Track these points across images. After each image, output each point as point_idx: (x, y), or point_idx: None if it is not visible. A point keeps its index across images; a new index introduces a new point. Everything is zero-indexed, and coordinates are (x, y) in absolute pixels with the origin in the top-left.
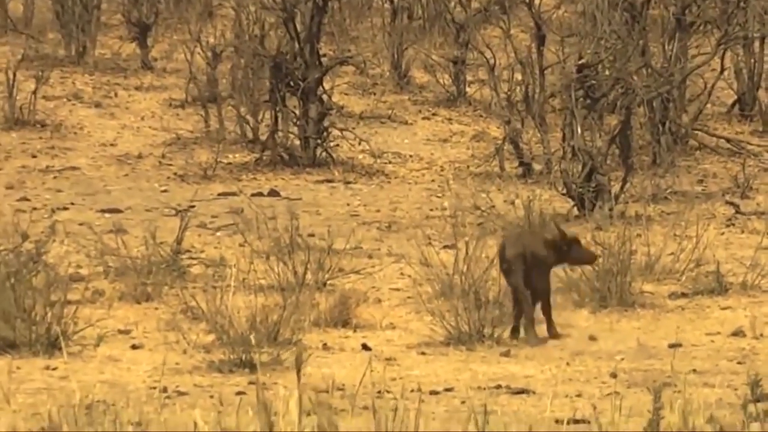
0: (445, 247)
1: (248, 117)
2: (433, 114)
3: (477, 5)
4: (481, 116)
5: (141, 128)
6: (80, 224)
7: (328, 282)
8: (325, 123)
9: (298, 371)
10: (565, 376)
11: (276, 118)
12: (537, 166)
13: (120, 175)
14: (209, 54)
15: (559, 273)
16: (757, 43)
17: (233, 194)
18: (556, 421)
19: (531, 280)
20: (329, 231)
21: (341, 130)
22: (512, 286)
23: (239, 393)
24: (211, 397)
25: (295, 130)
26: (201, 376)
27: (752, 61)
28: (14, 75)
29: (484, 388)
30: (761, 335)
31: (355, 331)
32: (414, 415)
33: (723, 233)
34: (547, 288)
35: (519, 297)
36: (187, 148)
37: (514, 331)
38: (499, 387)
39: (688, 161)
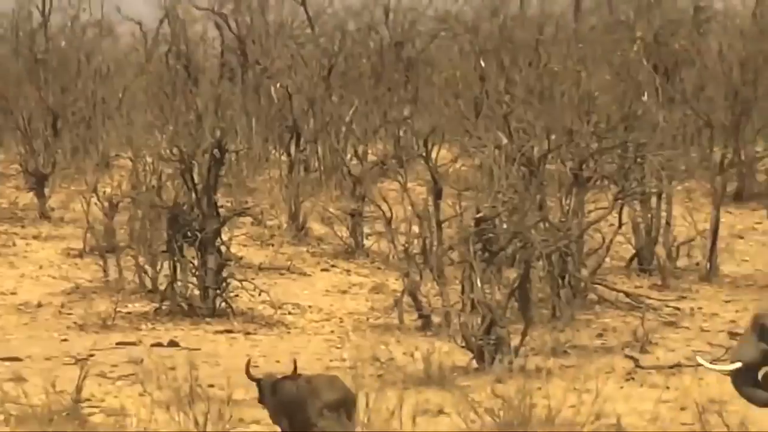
0: None
1: (147, 267)
2: (332, 266)
3: (374, 158)
4: (379, 268)
5: (40, 277)
6: None
7: None
8: (224, 273)
9: None
10: None
11: (174, 268)
12: (436, 319)
13: (20, 324)
14: (106, 204)
15: (460, 424)
16: (654, 198)
17: (133, 344)
18: None
19: None
20: (229, 381)
21: (240, 280)
22: None
23: None
24: None
25: (194, 280)
26: None
27: (649, 216)
28: None
29: None
30: None
31: None
32: None
33: (623, 387)
34: None
35: None
36: (86, 297)
37: None
38: None
39: (588, 315)
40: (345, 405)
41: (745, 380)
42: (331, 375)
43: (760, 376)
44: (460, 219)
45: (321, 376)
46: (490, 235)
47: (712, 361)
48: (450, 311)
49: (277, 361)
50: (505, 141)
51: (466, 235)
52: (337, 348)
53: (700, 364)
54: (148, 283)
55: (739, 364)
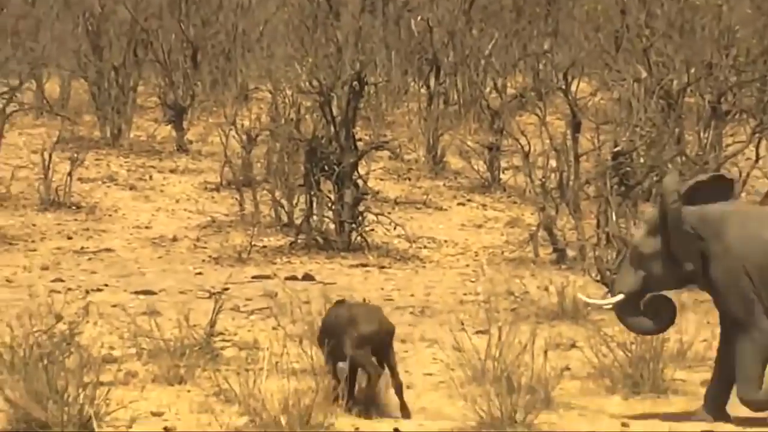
0: (478, 332)
1: (283, 201)
2: (468, 200)
3: (513, 92)
4: (515, 202)
5: (176, 211)
6: (114, 306)
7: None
8: (361, 208)
9: None
10: None
11: (311, 201)
12: (571, 253)
13: (154, 258)
14: (244, 137)
15: (591, 358)
16: None
17: (267, 277)
18: None
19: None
20: None
21: (376, 214)
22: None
23: None
24: None
25: (330, 214)
26: None
27: None
28: (50, 157)
29: None
30: None
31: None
32: None
33: None
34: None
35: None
36: (221, 231)
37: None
38: None
39: None
40: (380, 337)
41: (628, 311)
42: (372, 306)
43: (642, 305)
44: (597, 153)
45: (363, 305)
46: (627, 169)
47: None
48: (585, 245)
49: (411, 295)
50: (644, 74)
51: (603, 169)
52: (472, 282)
53: None
54: (284, 217)
55: (621, 296)
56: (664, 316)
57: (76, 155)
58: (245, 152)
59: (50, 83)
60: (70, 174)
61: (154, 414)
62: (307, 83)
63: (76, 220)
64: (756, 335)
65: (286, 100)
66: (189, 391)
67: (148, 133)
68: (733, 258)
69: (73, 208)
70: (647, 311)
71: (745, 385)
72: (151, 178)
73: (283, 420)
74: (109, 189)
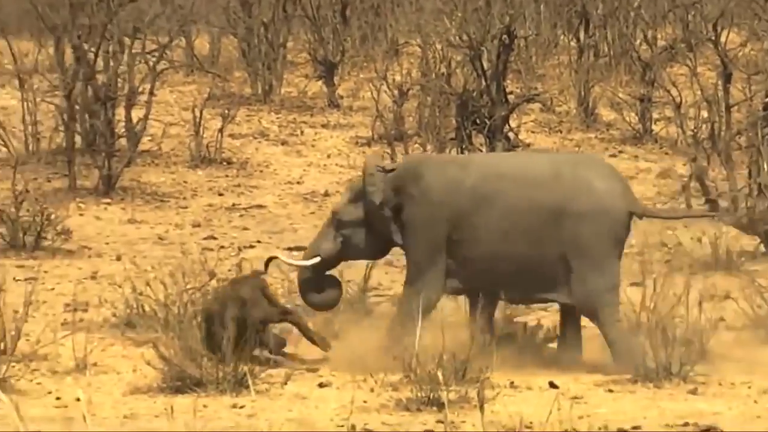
0: (632, 284)
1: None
2: (620, 151)
3: (663, 43)
4: (667, 153)
5: (327, 166)
6: None
7: (515, 319)
8: None
9: (481, 408)
10: (753, 414)
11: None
12: (723, 203)
13: (306, 213)
14: (395, 92)
15: (746, 310)
16: None
17: None
18: None
19: None
20: None
21: None
22: None
23: (427, 431)
24: None
25: None
26: (389, 415)
27: None
28: (201, 113)
29: (672, 426)
30: None
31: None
32: None
33: None
34: None
35: None
36: None
37: None
38: (686, 425)
39: None
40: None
41: (314, 281)
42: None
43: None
44: (749, 103)
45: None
46: None
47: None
48: (737, 196)
49: None
50: None
51: (754, 119)
52: None
53: None
54: None
55: (317, 259)
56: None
57: (227, 111)
58: (396, 107)
59: (199, 40)
60: (221, 130)
61: (308, 370)
62: (457, 37)
63: (227, 176)
64: None
65: (436, 55)
66: (344, 346)
67: (299, 88)
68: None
69: (224, 164)
70: (328, 283)
71: None
72: (302, 133)
73: (438, 374)
74: (260, 145)
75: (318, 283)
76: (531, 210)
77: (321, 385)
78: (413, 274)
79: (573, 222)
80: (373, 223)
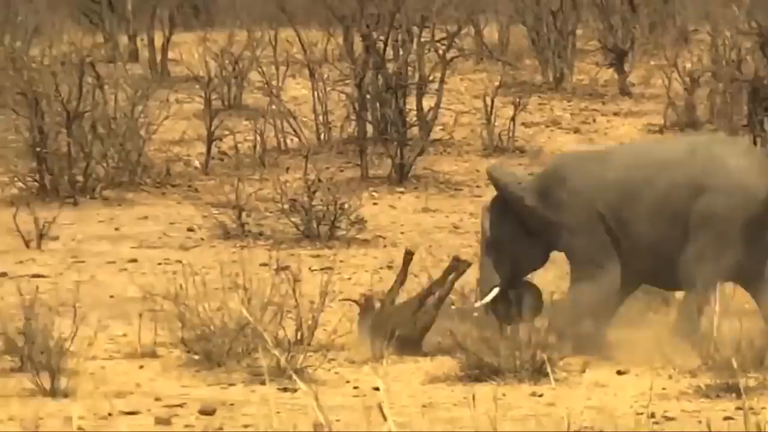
0: None
1: None
2: None
3: None
4: None
5: None
6: None
7: None
8: None
9: None
10: None
11: (754, 142)
12: None
13: None
14: (686, 79)
15: None
16: None
17: None
18: None
19: None
20: None
21: None
22: None
23: (726, 418)
24: (699, 422)
25: None
26: (688, 402)
27: None
28: (492, 102)
29: None
30: None
31: None
32: None
33: None
34: None
35: None
36: None
37: None
38: None
39: None
40: None
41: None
42: None
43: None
44: None
45: None
46: None
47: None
48: None
49: None
50: None
51: None
52: None
53: None
54: None
55: (497, 290)
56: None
57: (518, 100)
58: (687, 94)
59: (488, 29)
60: (513, 119)
61: (606, 358)
62: (746, 24)
63: (520, 164)
64: None
65: (726, 42)
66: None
67: (590, 76)
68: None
69: (517, 152)
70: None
71: None
72: (594, 121)
73: (734, 362)
74: (552, 133)
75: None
76: (671, 191)
77: (619, 373)
78: (591, 273)
79: (709, 197)
80: (529, 230)
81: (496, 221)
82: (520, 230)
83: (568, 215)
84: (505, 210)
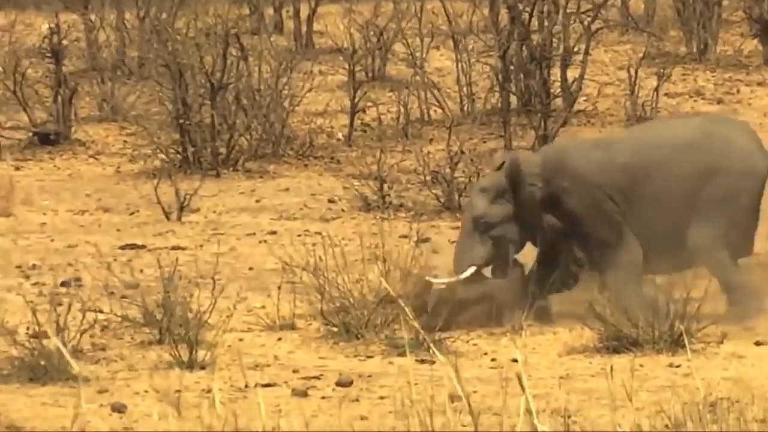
0: None
1: None
2: None
3: None
4: None
5: (763, 124)
6: None
7: None
8: None
9: None
10: None
11: None
12: None
13: None
14: None
15: None
16: None
17: None
18: None
19: None
20: None
21: None
22: None
23: None
24: None
25: None
26: None
27: None
28: (636, 72)
29: None
30: None
31: None
32: None
33: None
34: None
35: None
36: None
37: None
38: None
39: None
40: None
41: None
42: None
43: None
44: None
45: None
46: None
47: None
48: None
49: None
50: None
51: None
52: None
53: None
54: None
55: (473, 269)
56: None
57: (662, 71)
58: None
59: (635, 0)
60: (656, 89)
61: (745, 329)
62: None
63: None
64: None
65: None
66: None
67: (734, 47)
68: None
69: None
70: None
71: None
72: (738, 92)
73: None
74: (695, 103)
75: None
76: (686, 173)
77: (758, 344)
78: (609, 255)
79: (722, 178)
80: (524, 217)
81: (490, 201)
82: (515, 216)
83: (573, 203)
84: (503, 192)
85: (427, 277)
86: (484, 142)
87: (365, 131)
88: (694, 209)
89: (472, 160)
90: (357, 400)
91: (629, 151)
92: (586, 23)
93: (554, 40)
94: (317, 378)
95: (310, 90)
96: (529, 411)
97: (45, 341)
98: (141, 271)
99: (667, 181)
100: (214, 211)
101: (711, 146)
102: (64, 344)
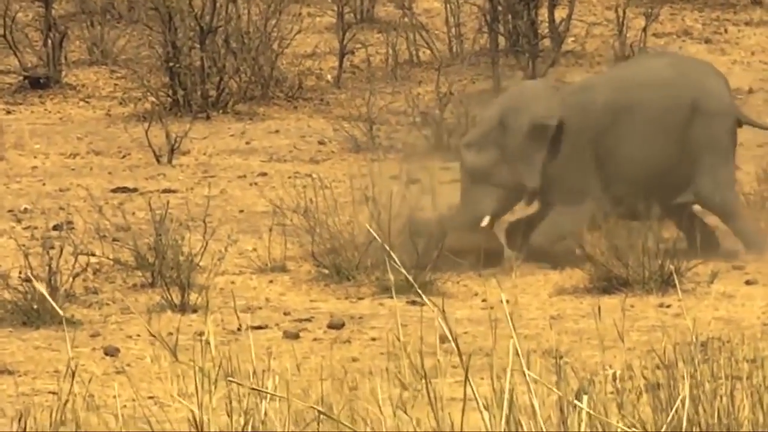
0: None
1: None
2: None
3: None
4: None
5: (751, 63)
6: None
7: None
8: None
9: None
10: None
11: None
12: None
13: None
14: None
15: None
16: None
17: None
18: None
19: None
20: None
21: None
22: None
23: None
24: None
25: None
26: None
27: None
28: (624, 12)
29: None
30: None
31: None
32: None
33: None
34: None
35: None
36: None
37: None
38: None
39: None
40: None
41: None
42: None
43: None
44: None
45: None
46: None
47: None
48: None
49: None
50: None
51: None
52: None
53: None
54: None
55: (488, 218)
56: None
57: (650, 10)
58: None
59: None
60: (644, 29)
61: (735, 268)
62: None
63: None
64: None
65: None
66: None
67: None
68: None
69: None
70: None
71: None
72: (726, 31)
73: None
74: (683, 43)
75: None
76: (667, 112)
77: (748, 283)
78: (573, 199)
79: (706, 119)
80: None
81: (484, 152)
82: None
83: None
84: (489, 142)
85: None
86: (473, 82)
87: (354, 73)
88: (683, 150)
89: (461, 101)
90: (348, 341)
91: (609, 90)
92: None
93: None
94: (308, 320)
95: (299, 32)
96: (518, 353)
97: (37, 285)
98: (132, 214)
99: (648, 119)
100: (205, 154)
101: (688, 84)
102: (56, 288)
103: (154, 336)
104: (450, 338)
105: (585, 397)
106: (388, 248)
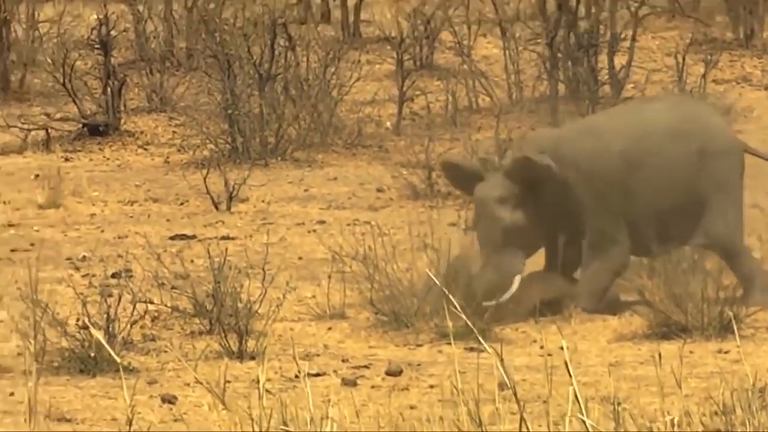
0: None
1: None
2: None
3: None
4: None
5: None
6: None
7: None
8: None
9: None
10: None
11: None
12: None
13: None
14: None
15: None
16: None
17: None
18: None
19: None
20: None
21: None
22: None
23: None
24: None
25: None
26: None
27: None
28: (683, 59)
29: None
30: None
31: None
32: None
33: None
34: None
35: None
36: None
37: None
38: None
39: None
40: None
41: None
42: None
43: None
44: None
45: None
46: None
47: None
48: None
49: None
50: None
51: None
52: None
53: None
54: None
55: (519, 278)
56: None
57: (709, 57)
58: None
59: None
60: (704, 76)
61: None
62: None
63: None
64: None
65: None
66: None
67: None
68: None
69: None
70: None
71: None
72: None
73: None
74: (743, 90)
75: None
76: (679, 158)
77: None
78: (606, 248)
79: (713, 160)
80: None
81: (513, 208)
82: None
83: (581, 194)
84: (521, 196)
85: (484, 303)
86: (532, 129)
87: (413, 120)
88: (693, 194)
89: (520, 147)
90: (406, 389)
91: (623, 139)
92: (632, 9)
93: (601, 26)
94: (367, 367)
95: (358, 79)
96: (577, 399)
97: (94, 332)
98: (191, 261)
99: (662, 167)
100: (263, 201)
101: (693, 130)
102: (114, 335)
103: (200, 383)
104: (508, 385)
105: None
106: (447, 292)
